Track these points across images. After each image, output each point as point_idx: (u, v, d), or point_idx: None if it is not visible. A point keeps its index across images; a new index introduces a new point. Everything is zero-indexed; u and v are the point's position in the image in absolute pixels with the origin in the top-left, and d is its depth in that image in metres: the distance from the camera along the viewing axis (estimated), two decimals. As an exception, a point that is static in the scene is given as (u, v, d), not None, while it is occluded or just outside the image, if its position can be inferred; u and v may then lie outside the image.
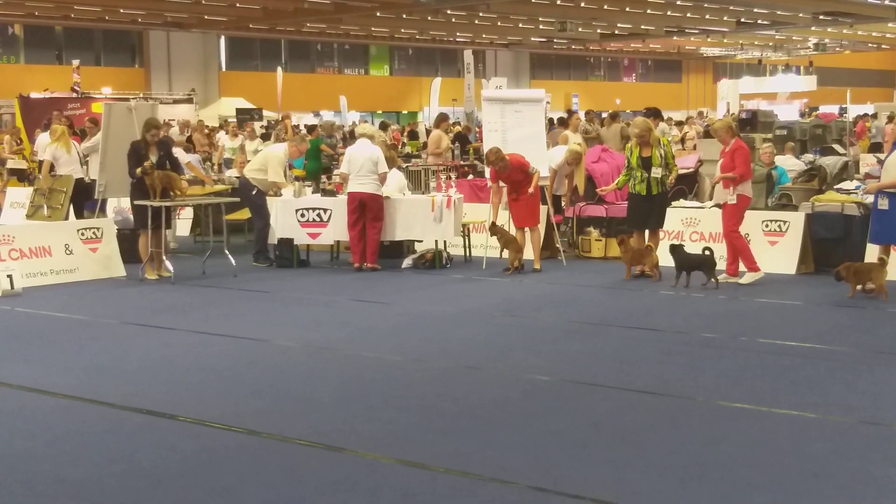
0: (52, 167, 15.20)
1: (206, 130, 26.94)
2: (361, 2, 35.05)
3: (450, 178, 14.85)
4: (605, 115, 26.21)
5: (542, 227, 13.96)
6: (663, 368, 8.15)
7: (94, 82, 37.23)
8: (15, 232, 12.94)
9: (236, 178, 16.23)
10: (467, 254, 14.43)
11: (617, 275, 12.67)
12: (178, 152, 14.64)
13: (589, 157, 15.87)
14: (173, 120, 29.82)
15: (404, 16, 40.16)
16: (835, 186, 14.01)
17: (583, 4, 37.89)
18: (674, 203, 14.09)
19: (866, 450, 6.07)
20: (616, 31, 47.97)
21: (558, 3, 37.73)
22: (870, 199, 12.70)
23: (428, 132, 29.49)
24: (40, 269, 12.70)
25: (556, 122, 24.60)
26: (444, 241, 13.87)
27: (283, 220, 13.99)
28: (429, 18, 41.37)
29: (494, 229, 13.30)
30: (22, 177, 21.35)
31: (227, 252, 13.31)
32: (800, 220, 12.78)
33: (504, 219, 13.83)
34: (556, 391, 7.56)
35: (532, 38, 50.79)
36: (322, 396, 7.41)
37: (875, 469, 5.73)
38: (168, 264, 12.97)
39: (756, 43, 58.40)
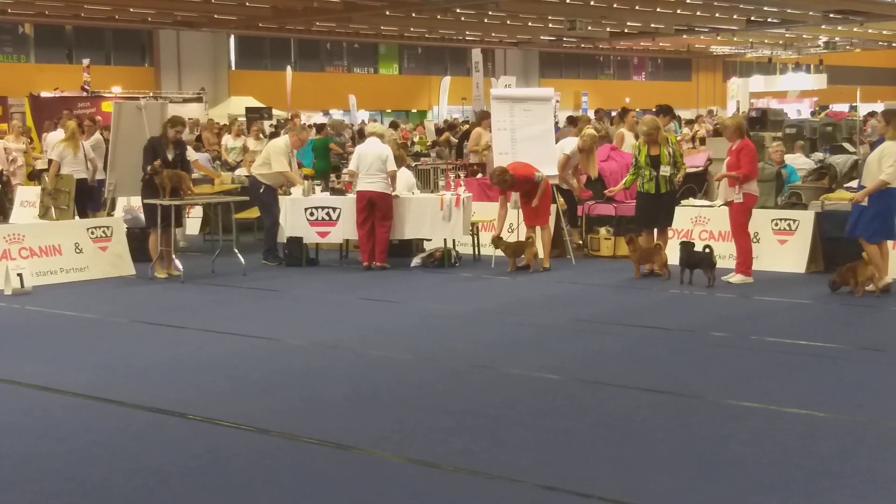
0: (58, 167, 15.28)
1: (216, 130, 26.96)
2: (371, 1, 35.05)
3: (459, 176, 14.84)
4: (614, 113, 26.18)
5: (551, 224, 13.98)
6: (672, 367, 8.15)
7: (105, 81, 37.30)
8: (25, 231, 12.99)
9: (245, 177, 16.25)
10: (476, 252, 14.43)
11: (626, 274, 12.66)
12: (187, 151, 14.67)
13: (598, 155, 15.83)
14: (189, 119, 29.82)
15: (413, 14, 40.13)
16: (845, 185, 13.98)
17: (592, 3, 37.82)
18: (683, 202, 14.07)
19: (876, 449, 6.06)
20: (626, 30, 47.85)
21: (568, 1, 37.67)
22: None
23: (438, 131, 29.51)
24: (50, 268, 12.74)
25: (565, 121, 24.58)
26: (453, 240, 13.87)
27: (293, 219, 14.02)
28: (438, 17, 41.34)
29: (499, 243, 13.29)
30: (32, 175, 21.40)
31: (236, 251, 13.33)
32: (809, 218, 12.75)
33: (513, 216, 13.83)
34: (565, 390, 7.56)
35: (541, 37, 50.70)
36: (331, 395, 7.41)
37: (885, 468, 5.71)
38: (178, 263, 13.00)
39: (766, 41, 58.22)
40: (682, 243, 12.12)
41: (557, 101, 39.83)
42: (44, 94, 31.76)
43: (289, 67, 40.05)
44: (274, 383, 7.76)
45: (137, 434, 6.53)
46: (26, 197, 19.74)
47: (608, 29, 47.05)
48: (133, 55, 44.75)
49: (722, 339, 9.18)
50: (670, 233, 13.09)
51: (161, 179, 12.57)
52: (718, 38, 53.13)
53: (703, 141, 22.49)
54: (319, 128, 23.07)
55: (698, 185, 16.18)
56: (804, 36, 55.04)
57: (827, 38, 54.58)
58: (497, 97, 15.00)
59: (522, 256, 13.29)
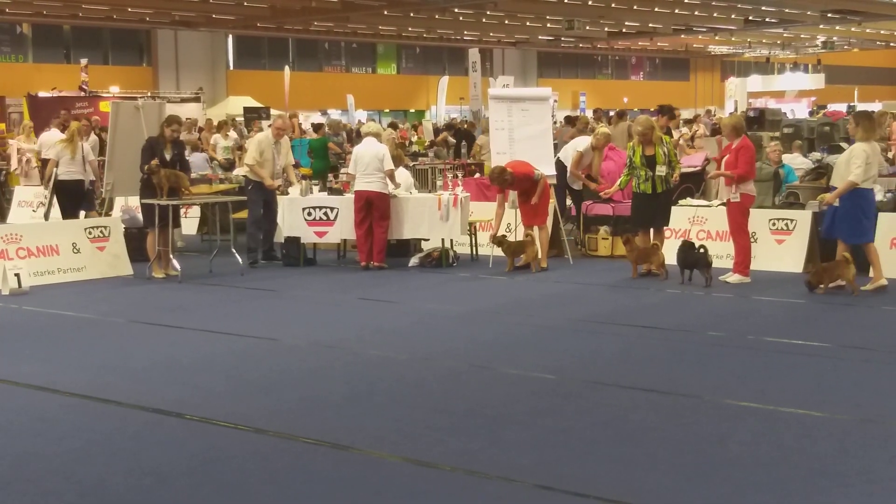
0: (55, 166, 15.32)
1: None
2: (369, 0, 35.06)
3: (456, 176, 14.84)
4: (612, 113, 26.19)
5: (549, 224, 13.99)
6: (670, 367, 8.15)
7: (102, 81, 37.27)
8: (22, 230, 12.99)
9: (243, 176, 16.24)
10: (474, 252, 14.43)
11: (624, 273, 12.66)
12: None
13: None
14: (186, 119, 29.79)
15: (412, 14, 40.15)
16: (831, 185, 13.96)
17: (590, 3, 37.84)
18: (681, 201, 14.08)
19: (873, 449, 6.06)
20: (624, 30, 47.88)
21: (566, 1, 37.70)
22: (878, 197, 12.71)
23: (436, 131, 29.50)
24: (48, 268, 12.73)
25: (563, 120, 24.60)
26: (451, 240, 13.86)
27: (290, 219, 14.02)
28: (436, 17, 41.35)
29: (502, 241, 13.28)
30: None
31: (233, 251, 13.33)
32: (807, 218, 12.75)
33: (510, 216, 13.84)
34: (563, 390, 7.56)
35: (539, 37, 50.73)
36: (329, 395, 7.41)
37: (882, 468, 5.71)
38: (175, 263, 13.00)
39: (764, 41, 58.27)
40: (684, 243, 12.13)
41: (555, 101, 39.86)
42: (42, 93, 31.73)
43: (287, 67, 40.01)
44: (271, 383, 7.75)
45: (135, 434, 6.53)
46: (24, 197, 19.73)
47: (606, 29, 47.08)
48: (131, 55, 44.74)
49: (719, 338, 9.18)
50: (667, 233, 13.09)
51: (158, 179, 12.58)
52: (716, 37, 53.18)
53: (692, 139, 22.42)
54: (317, 127, 23.08)
55: (696, 184, 16.18)
56: (802, 36, 55.10)
57: (825, 38, 54.63)
58: (495, 97, 15.01)
59: (521, 256, 13.29)
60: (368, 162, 13.36)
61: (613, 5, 38.39)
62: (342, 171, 18.06)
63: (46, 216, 15.42)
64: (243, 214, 15.20)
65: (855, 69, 66.27)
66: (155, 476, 5.73)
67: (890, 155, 16.94)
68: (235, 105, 39.57)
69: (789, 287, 11.58)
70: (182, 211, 14.53)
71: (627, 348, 8.87)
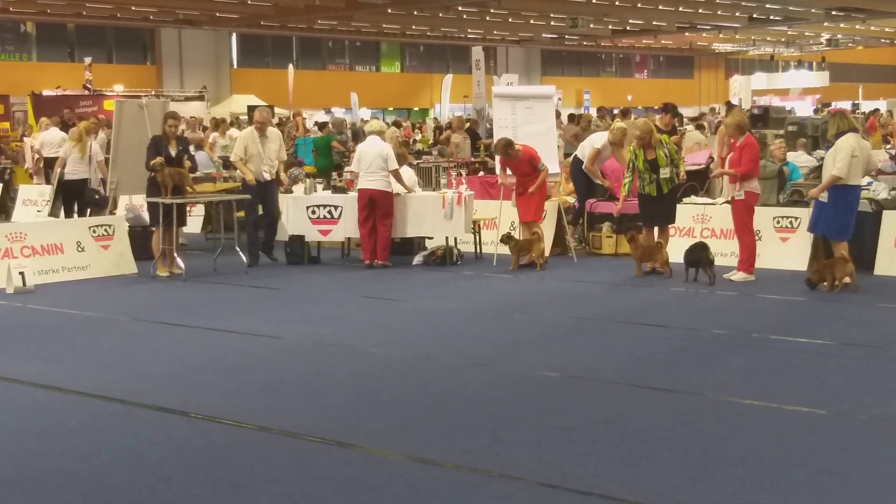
0: (63, 165, 15.32)
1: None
2: (372, -2, 35.12)
3: (460, 174, 14.84)
4: (616, 111, 26.17)
5: (552, 222, 14.00)
6: (673, 365, 8.15)
7: (106, 80, 37.30)
8: (27, 229, 13.01)
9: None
10: (478, 250, 14.43)
11: (627, 271, 12.65)
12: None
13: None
14: (183, 118, 29.82)
15: (415, 12, 40.16)
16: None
17: (594, 0, 37.82)
18: (685, 199, 14.07)
19: (877, 447, 6.06)
20: (627, 28, 47.86)
21: (569, -1, 37.73)
22: (882, 194, 12.71)
23: (438, 130, 29.45)
24: (52, 266, 12.75)
25: (566, 119, 24.58)
26: (455, 238, 13.86)
27: (294, 217, 14.02)
28: (440, 15, 41.36)
29: (508, 240, 13.27)
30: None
31: (238, 249, 13.34)
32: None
33: (513, 215, 13.83)
34: (566, 388, 7.56)
35: (543, 35, 50.71)
36: (332, 393, 7.42)
37: (886, 466, 5.71)
38: (179, 261, 13.01)
39: (768, 39, 58.20)
40: (697, 243, 12.10)
41: (559, 99, 39.84)
42: (46, 92, 31.76)
43: (291, 65, 40.04)
44: (275, 381, 7.76)
45: (139, 432, 6.53)
46: (28, 195, 19.77)
47: (610, 26, 47.05)
48: (135, 53, 44.77)
49: (723, 336, 9.17)
50: (672, 231, 13.08)
51: (163, 178, 12.59)
52: (721, 35, 53.14)
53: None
54: (322, 126, 23.09)
55: (700, 182, 16.15)
56: (806, 33, 55.03)
57: (829, 36, 54.55)
58: (498, 95, 15.00)
59: (525, 256, 13.27)
60: (372, 160, 13.36)
61: (617, 3, 38.39)
62: (346, 169, 18.06)
63: (52, 214, 15.46)
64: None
65: (859, 67, 66.20)
66: (159, 474, 5.74)
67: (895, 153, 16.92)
68: (239, 103, 39.57)
69: (793, 285, 11.56)
70: (187, 209, 14.52)
71: (631, 346, 8.87)
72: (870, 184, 13.14)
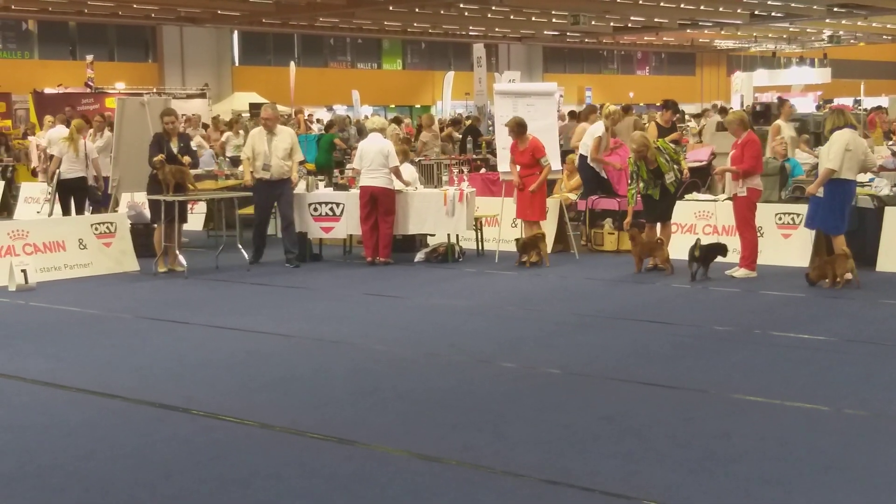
0: (59, 164, 15.37)
1: (221, 129, 26.96)
2: (374, -4, 35.12)
3: (462, 171, 14.84)
4: (617, 107, 26.11)
5: (554, 219, 14.01)
6: (675, 361, 8.14)
7: (108, 77, 37.32)
8: (29, 227, 13.02)
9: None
10: (480, 247, 14.42)
11: (629, 268, 12.64)
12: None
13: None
14: (184, 115, 29.83)
15: (417, 10, 40.15)
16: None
17: (596, -3, 37.84)
18: (687, 196, 14.06)
19: (879, 443, 6.05)
20: (629, 24, 47.84)
21: (571, -4, 37.71)
22: (884, 191, 12.70)
23: (441, 128, 29.43)
24: (54, 264, 12.76)
25: (567, 115, 24.53)
26: (457, 235, 13.86)
27: (296, 214, 14.00)
28: (441, 12, 41.34)
29: (518, 242, 13.30)
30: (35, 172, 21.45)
31: (240, 246, 13.35)
32: (812, 213, 12.72)
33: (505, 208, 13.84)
34: (568, 384, 7.56)
35: (545, 32, 50.70)
36: (334, 390, 7.42)
37: (888, 462, 5.71)
38: (181, 259, 13.02)
39: (770, 35, 58.14)
40: (715, 243, 12.10)
41: (561, 96, 39.80)
42: (47, 90, 31.78)
43: (292, 63, 40.05)
44: (277, 378, 7.76)
45: (140, 429, 6.54)
46: (31, 193, 19.78)
47: (612, 23, 47.03)
48: (136, 51, 44.80)
49: (725, 333, 9.17)
50: (674, 227, 13.08)
51: (164, 175, 12.60)
52: (722, 32, 53.14)
53: (699, 134, 22.36)
54: (328, 126, 23.17)
55: (702, 179, 16.15)
56: (808, 30, 55.00)
57: (831, 32, 54.54)
58: (500, 92, 15.00)
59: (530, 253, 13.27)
60: (373, 158, 13.36)
61: (618, 0, 38.33)
62: (348, 166, 18.05)
63: (51, 213, 15.48)
64: (249, 210, 15.20)
65: (861, 63, 66.14)
66: (161, 471, 5.74)
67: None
68: (241, 101, 39.60)
69: (795, 281, 11.56)
70: (189, 207, 14.53)
71: (633, 343, 8.86)
72: (872, 180, 13.13)
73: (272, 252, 14.01)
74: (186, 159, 12.99)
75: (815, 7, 41.16)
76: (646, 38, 57.52)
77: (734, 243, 12.40)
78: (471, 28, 48.41)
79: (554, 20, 44.60)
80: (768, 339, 8.90)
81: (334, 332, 9.39)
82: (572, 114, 23.84)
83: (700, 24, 47.28)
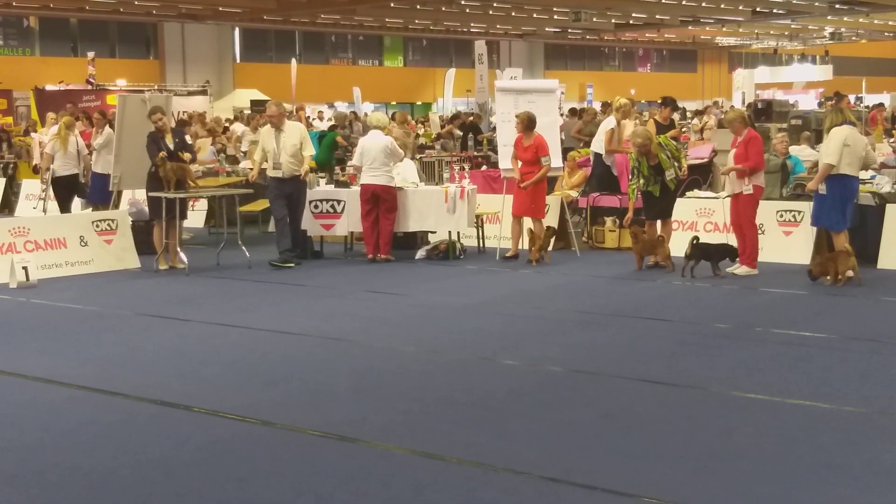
0: (51, 161, 15.44)
1: (222, 128, 26.98)
2: (375, -7, 35.11)
3: (463, 168, 14.84)
4: (628, 101, 26.09)
5: (555, 216, 14.00)
6: (676, 359, 8.14)
7: (109, 74, 37.34)
8: (30, 224, 13.01)
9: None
10: (481, 245, 14.42)
11: (630, 266, 12.64)
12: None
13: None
14: (185, 112, 29.85)
15: (418, 6, 40.12)
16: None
17: (597, -6, 37.82)
18: (688, 193, 14.06)
19: (880, 440, 6.05)
20: (631, 21, 47.82)
21: (572, -7, 37.71)
22: (885, 188, 12.70)
23: (443, 125, 29.43)
24: (55, 261, 12.76)
25: (567, 112, 24.55)
26: (458, 232, 13.86)
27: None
28: (443, 9, 41.32)
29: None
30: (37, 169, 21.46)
31: (241, 244, 13.34)
32: (813, 210, 12.72)
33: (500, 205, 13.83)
34: (569, 382, 7.56)
35: (546, 29, 50.67)
36: (336, 387, 7.42)
37: (889, 460, 5.71)
38: (182, 256, 13.02)
39: (772, 32, 58.12)
40: (725, 245, 12.09)
41: (562, 93, 39.79)
42: (49, 87, 31.79)
43: (294, 60, 40.04)
44: (278, 375, 7.76)
45: (142, 426, 6.54)
46: (32, 190, 19.77)
47: (613, 20, 47.03)
48: (138, 48, 44.80)
49: (726, 330, 9.17)
50: (675, 225, 13.07)
51: (165, 172, 12.60)
52: (724, 29, 53.08)
53: (702, 131, 22.37)
54: (333, 126, 23.18)
55: (703, 176, 16.15)
56: (810, 27, 54.97)
57: (833, 29, 54.51)
58: (501, 89, 15.00)
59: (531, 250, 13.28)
60: (375, 156, 13.34)
61: (620, -3, 38.35)
62: (349, 163, 18.05)
63: (45, 210, 15.51)
64: (251, 207, 15.22)
65: (863, 60, 66.07)
66: (162, 468, 5.74)
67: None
68: (242, 98, 39.61)
69: (797, 279, 11.55)
70: (189, 204, 14.52)
71: (634, 340, 8.86)
72: (873, 177, 13.13)
73: (268, 251, 14.01)
74: (187, 156, 12.99)
75: (816, 4, 41.12)
76: (647, 35, 57.51)
77: (732, 241, 12.37)
78: (472, 25, 48.41)
79: (555, 17, 44.59)
80: (769, 336, 8.90)
81: (336, 330, 9.39)
82: (573, 111, 23.86)
83: (702, 20, 47.25)
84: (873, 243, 12.20)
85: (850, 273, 11.07)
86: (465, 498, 5.28)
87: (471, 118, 26.29)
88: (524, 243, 13.55)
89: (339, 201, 13.92)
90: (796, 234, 12.77)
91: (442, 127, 28.44)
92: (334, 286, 11.93)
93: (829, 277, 11.13)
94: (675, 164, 12.53)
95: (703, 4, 41.62)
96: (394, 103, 50.43)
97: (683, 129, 23.45)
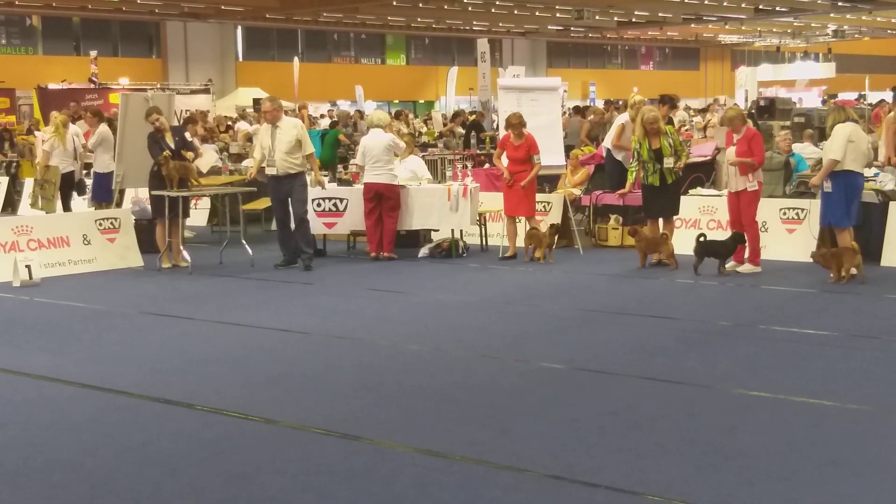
0: (48, 158, 15.42)
1: (224, 127, 26.97)
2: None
3: (466, 167, 14.83)
4: (621, 103, 26.12)
5: (558, 214, 13.99)
6: (679, 356, 8.14)
7: (112, 73, 37.33)
8: (33, 222, 13.02)
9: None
10: (483, 243, 14.42)
11: (634, 263, 12.63)
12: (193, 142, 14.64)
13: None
14: (187, 111, 29.86)
15: (420, 5, 40.11)
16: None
17: (599, -8, 37.81)
18: (691, 191, 14.04)
19: (883, 437, 6.05)
20: (633, 19, 47.80)
21: (575, -10, 37.70)
22: (889, 185, 12.68)
23: (445, 123, 29.42)
24: (58, 259, 12.76)
25: (571, 110, 24.54)
26: (461, 230, 13.85)
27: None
28: (445, 7, 41.32)
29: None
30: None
31: (244, 242, 13.35)
32: (817, 207, 12.67)
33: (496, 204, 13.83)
34: (572, 379, 7.56)
35: (549, 27, 50.67)
36: (338, 385, 7.42)
37: (892, 457, 5.70)
38: (185, 254, 13.02)
39: (774, 30, 58.09)
40: (736, 236, 12.03)
41: (565, 91, 39.76)
42: (51, 86, 31.80)
43: (296, 58, 40.02)
44: (281, 373, 7.76)
45: (145, 425, 6.54)
46: (32, 189, 19.78)
47: (615, 18, 47.01)
48: (140, 47, 44.81)
49: (729, 328, 9.17)
50: (678, 222, 13.06)
51: (168, 171, 12.60)
52: (726, 26, 53.04)
53: (704, 129, 22.36)
54: (334, 124, 23.19)
55: (706, 174, 16.13)
56: (812, 24, 54.92)
57: (835, 27, 54.45)
58: (504, 87, 15.00)
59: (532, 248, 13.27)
60: (377, 155, 13.34)
61: (623, -6, 38.33)
62: (351, 162, 18.05)
63: (33, 205, 15.51)
64: (253, 205, 15.21)
65: (866, 58, 65.96)
66: (165, 467, 5.74)
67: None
68: (245, 96, 39.58)
69: (800, 276, 11.55)
70: (192, 202, 14.53)
71: (637, 338, 8.85)
72: (876, 175, 13.11)
73: (271, 250, 13.99)
74: (190, 155, 12.99)
75: (819, 1, 41.10)
76: (650, 33, 57.46)
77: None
78: (474, 23, 48.40)
79: (558, 15, 44.56)
80: (773, 334, 8.89)
81: (339, 328, 9.39)
82: (577, 109, 23.84)
83: (704, 18, 47.22)
84: (876, 241, 12.18)
85: (853, 271, 11.06)
86: (468, 495, 5.27)
87: (473, 116, 26.28)
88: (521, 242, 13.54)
89: (341, 200, 13.91)
90: (799, 232, 12.75)
91: (444, 125, 28.44)
92: (337, 284, 11.92)
93: (832, 274, 11.12)
94: (675, 158, 12.52)
95: (706, 2, 41.62)
96: (396, 102, 50.41)
97: (686, 127, 23.43)
